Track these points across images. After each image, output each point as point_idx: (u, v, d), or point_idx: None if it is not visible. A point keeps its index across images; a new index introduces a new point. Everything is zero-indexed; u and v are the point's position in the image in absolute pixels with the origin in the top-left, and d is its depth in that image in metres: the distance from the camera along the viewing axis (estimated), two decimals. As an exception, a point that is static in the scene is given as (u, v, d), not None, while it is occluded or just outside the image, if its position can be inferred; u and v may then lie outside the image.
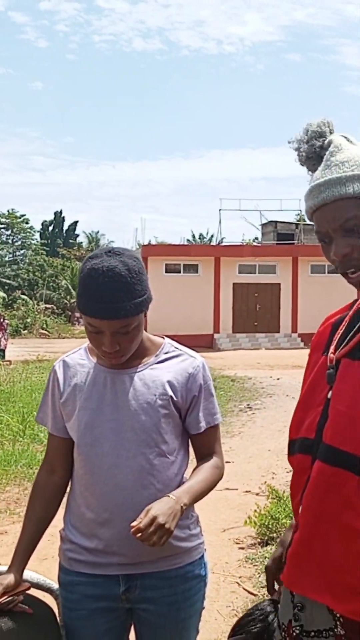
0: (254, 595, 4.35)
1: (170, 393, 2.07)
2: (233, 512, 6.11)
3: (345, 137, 1.67)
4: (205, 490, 2.05)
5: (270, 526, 5.27)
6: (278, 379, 17.17)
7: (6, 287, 50.78)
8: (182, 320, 28.26)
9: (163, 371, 2.10)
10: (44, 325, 44.84)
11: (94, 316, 1.92)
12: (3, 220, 62.82)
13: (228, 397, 14.32)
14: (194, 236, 60.61)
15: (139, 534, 1.80)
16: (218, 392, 14.52)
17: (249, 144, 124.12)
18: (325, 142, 1.67)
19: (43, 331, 43.35)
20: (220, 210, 33.60)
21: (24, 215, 64.18)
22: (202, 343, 28.29)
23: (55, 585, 2.14)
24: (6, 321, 26.70)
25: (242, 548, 5.25)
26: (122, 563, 2.04)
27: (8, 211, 63.45)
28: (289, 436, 1.79)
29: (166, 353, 2.15)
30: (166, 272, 29.56)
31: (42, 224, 69.99)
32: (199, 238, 60.31)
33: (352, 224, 1.57)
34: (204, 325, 29.72)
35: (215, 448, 2.19)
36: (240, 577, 4.67)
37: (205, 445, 2.17)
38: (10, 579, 2.00)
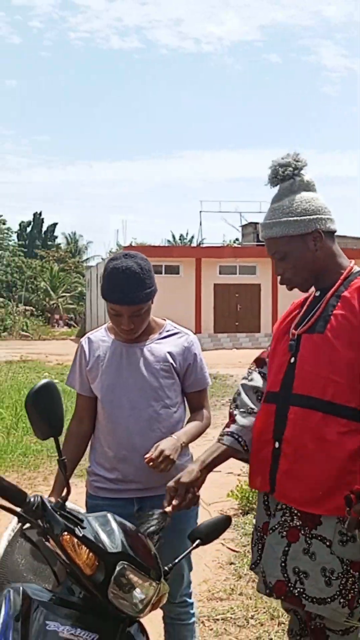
0: (236, 552, 4.99)
1: (171, 361, 2.74)
2: (217, 490, 6.73)
3: (293, 182, 2.35)
4: (198, 434, 2.74)
5: (250, 498, 5.95)
6: (258, 375, 17.79)
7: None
8: (163, 320, 28.83)
9: (165, 345, 2.77)
10: (24, 327, 45.08)
11: (116, 303, 2.58)
12: None
13: (211, 392, 14.93)
14: (174, 237, 60.95)
15: (151, 463, 2.45)
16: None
17: (228, 144, 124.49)
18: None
19: (24, 333, 43.65)
20: (200, 211, 34.29)
21: (1, 215, 63.46)
22: (184, 343, 28.79)
23: (82, 509, 2.76)
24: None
25: (226, 517, 5.87)
26: (136, 489, 2.68)
27: None
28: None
29: (167, 331, 2.82)
30: (148, 273, 30.03)
31: (20, 225, 68.51)
32: (179, 239, 60.70)
33: (278, 255, 2.32)
34: (185, 325, 30.05)
35: (204, 403, 2.86)
36: (224, 539, 5.30)
37: (197, 401, 2.85)
38: None
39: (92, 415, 2.81)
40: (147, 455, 2.48)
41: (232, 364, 21.80)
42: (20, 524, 1.97)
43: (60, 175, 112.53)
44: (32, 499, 1.84)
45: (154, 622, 3.02)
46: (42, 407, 1.93)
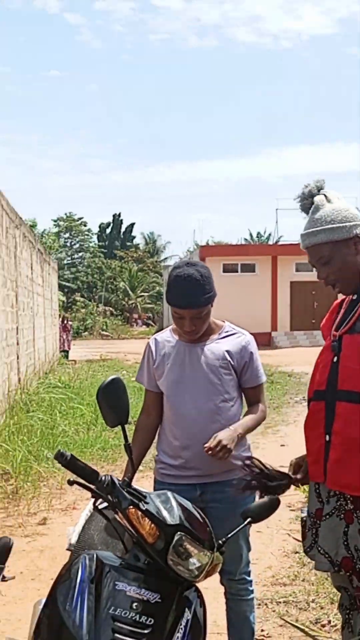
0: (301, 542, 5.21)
1: (229, 359, 3.01)
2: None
3: (325, 196, 2.61)
4: (254, 426, 3.00)
5: (317, 492, 6.15)
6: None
7: (65, 290, 51.54)
8: (239, 319, 28.38)
9: (224, 344, 3.04)
10: (104, 327, 46.07)
11: (179, 307, 2.88)
12: (61, 223, 63.20)
13: (284, 390, 15.11)
14: (251, 235, 60.80)
15: (210, 452, 2.72)
16: (275, 387, 15.34)
17: (307, 140, 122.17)
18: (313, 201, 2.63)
19: (104, 332, 44.65)
20: (277, 209, 34.23)
21: (82, 218, 64.10)
22: (260, 341, 28.63)
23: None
24: (70, 323, 27.97)
25: (293, 510, 6.09)
26: (198, 475, 2.96)
27: (66, 214, 63.68)
28: (309, 395, 2.70)
29: (226, 332, 3.10)
30: (223, 272, 30.24)
31: (100, 226, 69.32)
32: (257, 237, 60.51)
33: (323, 260, 2.55)
34: (261, 323, 30.21)
35: (260, 398, 3.12)
36: (290, 530, 5.54)
37: (254, 396, 3.12)
38: None
39: (159, 409, 3.11)
40: (206, 445, 2.76)
41: (308, 362, 21.60)
42: (93, 500, 2.29)
43: (141, 176, 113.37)
44: (103, 478, 2.14)
45: (219, 602, 3.31)
46: (111, 399, 2.25)
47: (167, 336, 3.14)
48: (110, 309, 52.12)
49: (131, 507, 2.10)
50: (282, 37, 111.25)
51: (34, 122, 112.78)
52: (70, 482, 2.16)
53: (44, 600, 2.95)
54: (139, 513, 2.08)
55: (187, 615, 2.07)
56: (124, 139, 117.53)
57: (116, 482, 2.15)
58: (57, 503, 6.58)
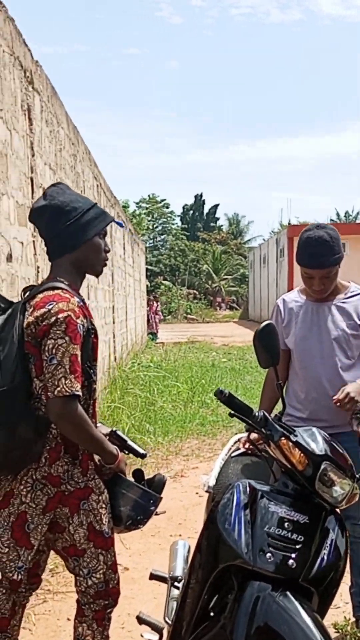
0: None
1: (355, 318, 3.16)
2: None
3: None
4: None
5: None
6: None
7: (148, 273, 51.50)
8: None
9: (350, 304, 3.21)
10: (189, 310, 46.36)
11: (309, 267, 3.06)
12: (144, 205, 61.96)
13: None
14: (338, 215, 59.57)
15: (338, 403, 2.89)
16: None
17: None
18: None
19: (190, 316, 44.97)
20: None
21: (164, 199, 63.02)
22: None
23: None
24: (158, 305, 28.37)
25: None
26: (324, 426, 3.09)
27: (149, 195, 62.75)
28: None
29: (352, 292, 3.25)
30: (311, 252, 29.76)
31: (183, 208, 68.51)
32: (344, 216, 59.24)
33: None
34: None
35: None
36: None
37: None
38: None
39: (286, 365, 3.31)
40: (335, 397, 2.94)
41: None
42: (235, 442, 2.51)
43: (222, 155, 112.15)
44: (257, 414, 2.36)
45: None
46: (265, 342, 2.46)
47: (295, 296, 3.33)
48: (194, 292, 52.23)
49: (283, 438, 2.31)
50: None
51: (113, 101, 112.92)
52: (232, 415, 2.38)
53: (180, 541, 3.23)
54: (290, 444, 2.30)
55: (332, 535, 2.28)
56: (205, 116, 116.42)
57: (268, 417, 2.37)
58: (165, 471, 6.87)
